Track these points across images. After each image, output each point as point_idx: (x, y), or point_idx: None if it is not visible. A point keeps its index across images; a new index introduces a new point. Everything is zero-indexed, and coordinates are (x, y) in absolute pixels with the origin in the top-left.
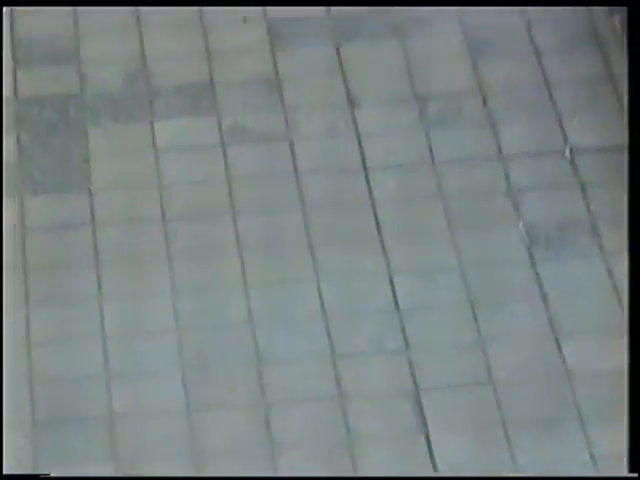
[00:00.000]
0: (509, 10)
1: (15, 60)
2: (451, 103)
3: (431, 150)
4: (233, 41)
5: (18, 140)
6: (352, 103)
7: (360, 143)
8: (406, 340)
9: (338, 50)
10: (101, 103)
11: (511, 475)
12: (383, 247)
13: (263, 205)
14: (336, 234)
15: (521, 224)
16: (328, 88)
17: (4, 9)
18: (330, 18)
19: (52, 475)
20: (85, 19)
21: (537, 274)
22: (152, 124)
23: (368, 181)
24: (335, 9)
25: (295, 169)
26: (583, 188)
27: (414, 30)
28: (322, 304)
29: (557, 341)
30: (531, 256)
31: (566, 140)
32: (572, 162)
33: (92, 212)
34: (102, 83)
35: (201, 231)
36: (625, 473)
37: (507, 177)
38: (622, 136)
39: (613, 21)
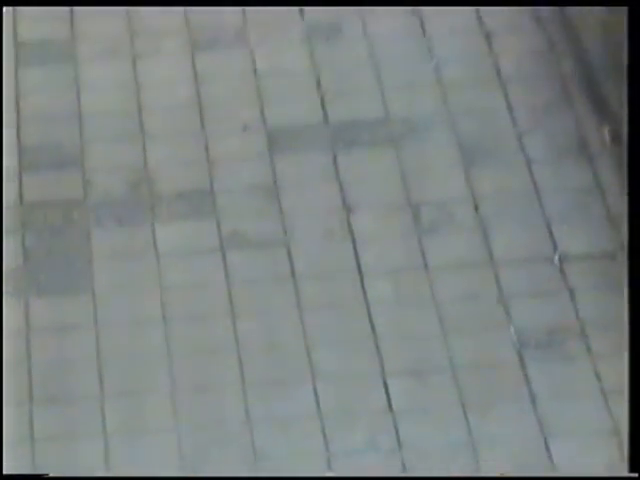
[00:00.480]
0: (501, 119)
1: (21, 166)
2: (444, 210)
3: (424, 255)
4: (233, 149)
5: (23, 243)
6: (348, 209)
7: (355, 248)
8: (399, 440)
9: (335, 158)
10: (105, 208)
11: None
12: (377, 349)
13: (261, 308)
14: (332, 336)
15: (512, 328)
16: (325, 195)
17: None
18: (328, 127)
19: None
20: (90, 127)
21: (527, 376)
22: (154, 228)
23: (363, 285)
24: (333, 119)
25: (292, 273)
26: (572, 293)
27: (409, 139)
28: (318, 404)
29: (546, 441)
30: (521, 359)
31: (555, 247)
32: (561, 268)
33: (95, 313)
34: (106, 189)
35: (200, 332)
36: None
37: (498, 282)
38: (609, 243)
39: (602, 132)
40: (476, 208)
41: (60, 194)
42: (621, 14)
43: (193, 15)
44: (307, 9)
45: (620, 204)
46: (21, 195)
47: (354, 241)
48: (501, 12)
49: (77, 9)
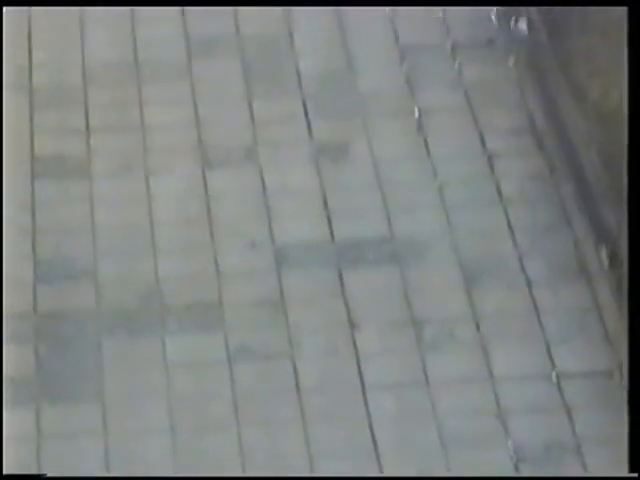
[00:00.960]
0: (502, 240)
1: (36, 276)
2: (445, 328)
3: (426, 371)
4: (241, 264)
5: (37, 352)
6: (352, 325)
7: (359, 363)
8: None
9: (340, 275)
10: (116, 319)
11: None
12: (378, 461)
13: (266, 419)
14: (335, 448)
15: (510, 443)
16: (330, 310)
17: None
18: (334, 245)
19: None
20: (103, 240)
21: None
22: (163, 340)
23: (366, 399)
24: (339, 237)
25: (297, 386)
26: (569, 411)
27: (412, 258)
28: None
29: None
30: (518, 474)
31: (554, 365)
32: (559, 386)
33: (104, 421)
34: (117, 301)
35: (206, 442)
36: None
37: (497, 398)
38: (607, 362)
39: (600, 254)
40: (477, 326)
41: (73, 305)
42: (621, 142)
43: (205, 134)
44: (315, 130)
45: (617, 324)
46: (35, 305)
47: (358, 356)
48: (504, 136)
49: (92, 126)
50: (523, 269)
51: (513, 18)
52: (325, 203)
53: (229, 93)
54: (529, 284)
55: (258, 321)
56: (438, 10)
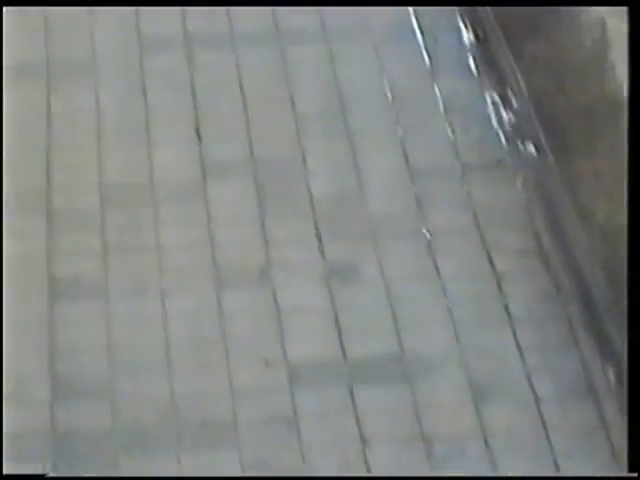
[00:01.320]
0: (511, 358)
1: (53, 395)
2: (455, 444)
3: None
4: (255, 382)
5: (55, 470)
6: (364, 441)
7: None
8: None
9: (352, 392)
10: (132, 437)
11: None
12: None
13: None
14: None
15: None
16: (342, 427)
17: None
18: (346, 363)
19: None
20: (119, 359)
21: None
22: (179, 457)
23: None
24: (350, 355)
25: None
26: None
27: (422, 376)
28: None
29: None
30: None
31: None
32: None
33: None
34: (133, 418)
35: None
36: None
37: None
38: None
39: (607, 374)
40: (486, 443)
41: (90, 423)
42: (625, 261)
43: (219, 255)
44: (327, 251)
45: (624, 442)
46: (53, 423)
47: (369, 471)
48: (512, 256)
49: (109, 247)
50: (531, 387)
51: (520, 140)
52: (337, 322)
53: (242, 215)
54: (537, 402)
55: (271, 438)
56: (449, 134)
